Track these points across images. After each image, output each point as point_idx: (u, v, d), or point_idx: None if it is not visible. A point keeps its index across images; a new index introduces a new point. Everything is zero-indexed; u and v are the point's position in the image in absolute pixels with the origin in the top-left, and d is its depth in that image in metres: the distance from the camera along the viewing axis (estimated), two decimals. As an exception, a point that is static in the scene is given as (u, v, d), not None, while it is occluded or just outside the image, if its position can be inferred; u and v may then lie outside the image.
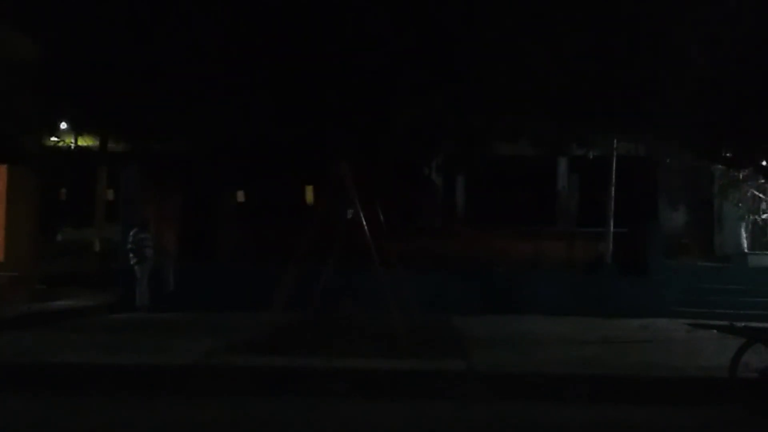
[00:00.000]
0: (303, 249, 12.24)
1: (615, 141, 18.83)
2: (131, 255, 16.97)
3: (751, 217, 21.62)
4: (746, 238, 21.90)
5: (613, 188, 19.38)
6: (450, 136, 16.96)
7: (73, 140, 22.11)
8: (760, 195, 21.01)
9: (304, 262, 12.38)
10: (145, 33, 14.27)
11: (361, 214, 12.41)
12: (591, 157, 19.73)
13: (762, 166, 15.77)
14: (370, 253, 12.06)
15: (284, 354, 10.92)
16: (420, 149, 18.35)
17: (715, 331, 14.59)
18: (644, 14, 12.59)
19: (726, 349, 10.26)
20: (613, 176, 19.37)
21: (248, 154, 18.28)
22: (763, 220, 21.64)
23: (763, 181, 19.09)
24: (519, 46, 13.38)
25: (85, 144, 21.81)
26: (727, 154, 16.15)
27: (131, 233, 16.99)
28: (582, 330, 14.84)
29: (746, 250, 21.63)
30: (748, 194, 20.92)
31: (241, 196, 21.23)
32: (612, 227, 19.27)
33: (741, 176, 19.68)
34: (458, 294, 17.68)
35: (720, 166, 19.69)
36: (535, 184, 24.88)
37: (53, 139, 21.35)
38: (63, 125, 20.17)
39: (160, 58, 14.34)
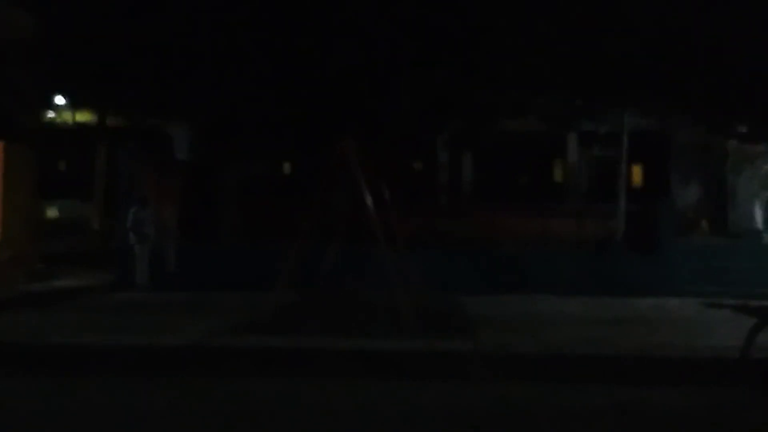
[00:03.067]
0: (307, 227, 12.04)
1: (626, 116, 18.56)
2: (131, 233, 16.81)
3: (765, 193, 21.46)
4: (760, 214, 21.73)
5: (624, 164, 19.11)
6: (456, 111, 16.79)
7: (71, 116, 22.02)
8: (775, 171, 20.85)
9: (308, 241, 12.20)
10: (143, 8, 14.11)
11: (366, 192, 12.19)
12: (602, 132, 19.55)
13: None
14: (375, 232, 11.87)
15: (288, 334, 10.87)
16: (426, 125, 18.19)
17: (728, 310, 14.46)
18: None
19: (739, 329, 10.06)
20: (624, 152, 19.10)
21: (250, 131, 18.13)
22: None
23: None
24: (526, 19, 13.19)
25: (83, 120, 21.75)
26: (741, 129, 15.95)
27: (131, 211, 16.83)
28: (592, 309, 14.69)
29: (760, 227, 21.46)
30: (763, 170, 20.75)
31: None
32: (623, 204, 19.03)
33: (756, 151, 19.52)
34: (465, 273, 17.50)
35: (733, 142, 19.52)
36: (544, 160, 24.74)
37: (51, 115, 21.25)
38: (61, 101, 20.08)
39: (159, 34, 14.19)
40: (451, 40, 14.11)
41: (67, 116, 21.09)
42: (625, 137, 19.00)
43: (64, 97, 18.70)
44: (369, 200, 12.21)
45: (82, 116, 21.37)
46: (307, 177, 20.09)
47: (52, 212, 23.07)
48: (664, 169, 22.08)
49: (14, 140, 16.34)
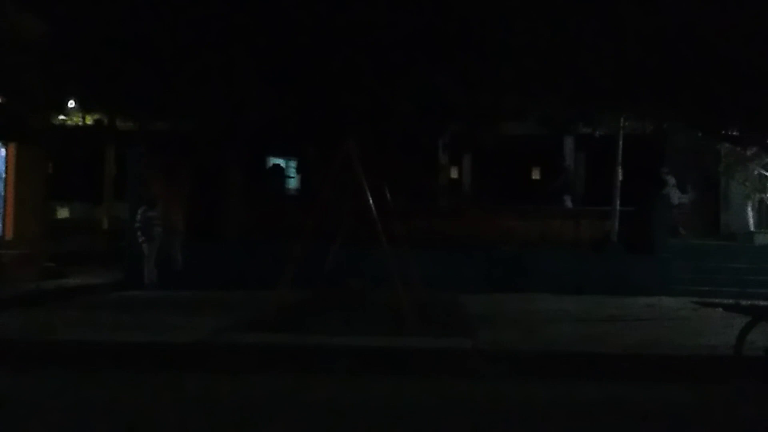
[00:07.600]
0: (310, 227, 12.22)
1: (621, 119, 18.74)
2: (139, 233, 16.96)
3: (757, 195, 21.65)
4: (752, 216, 21.93)
5: (619, 167, 19.30)
6: (457, 114, 16.94)
7: (80, 118, 22.19)
8: (767, 174, 21.03)
9: (312, 241, 12.35)
10: (151, 12, 14.27)
11: (368, 192, 12.36)
12: (597, 135, 19.73)
13: (768, 144, 15.77)
14: (377, 232, 12.03)
15: (291, 331, 10.91)
16: (427, 127, 18.35)
17: (720, 309, 14.71)
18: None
19: (731, 327, 10.31)
20: (620, 155, 19.29)
21: (255, 133, 18.27)
22: (769, 199, 21.67)
23: (769, 159, 19.12)
24: (525, 24, 13.35)
25: (92, 122, 21.88)
26: (733, 132, 16.15)
27: (139, 211, 16.98)
28: (588, 308, 14.85)
29: (752, 229, 21.64)
30: (755, 173, 20.94)
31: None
32: (618, 205, 19.22)
33: (748, 154, 19.70)
34: (464, 272, 17.66)
35: (726, 145, 19.70)
36: (542, 162, 24.93)
37: (61, 117, 21.41)
38: (70, 104, 20.23)
39: (166, 37, 14.34)
40: (451, 45, 14.29)
41: (77, 118, 21.25)
42: (621, 140, 19.21)
43: (74, 100, 18.84)
44: (371, 200, 12.37)
45: (92, 119, 21.52)
46: (311, 178, 20.35)
47: (62, 213, 23.27)
48: (658, 171, 22.25)
49: (25, 142, 16.53)
